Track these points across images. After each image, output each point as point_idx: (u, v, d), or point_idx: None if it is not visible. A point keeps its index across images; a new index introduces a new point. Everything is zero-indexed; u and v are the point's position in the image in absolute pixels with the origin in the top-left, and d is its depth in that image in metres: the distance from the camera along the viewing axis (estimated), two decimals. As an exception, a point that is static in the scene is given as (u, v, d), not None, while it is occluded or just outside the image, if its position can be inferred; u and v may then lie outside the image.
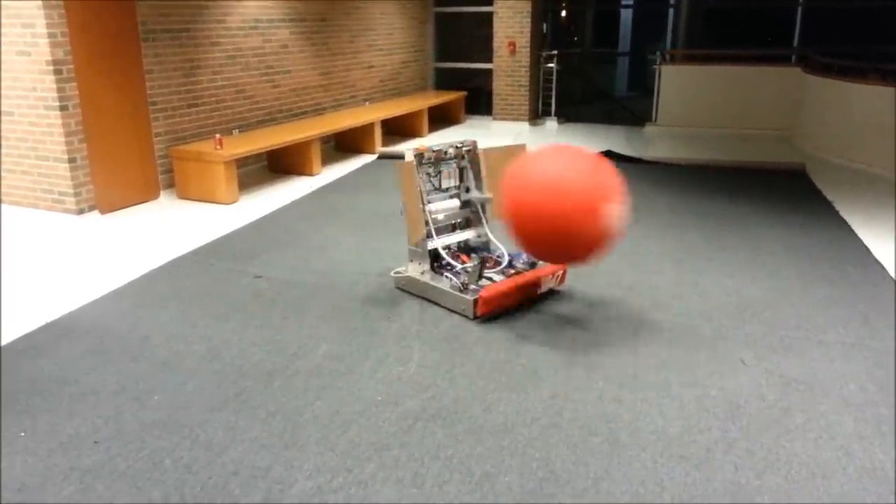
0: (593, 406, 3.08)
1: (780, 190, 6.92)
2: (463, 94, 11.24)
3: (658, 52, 10.83)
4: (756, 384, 3.27)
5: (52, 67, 5.60)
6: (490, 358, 3.51)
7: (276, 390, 3.21)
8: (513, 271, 4.24)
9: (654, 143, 9.70)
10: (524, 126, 10.99)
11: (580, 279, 4.49)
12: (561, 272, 4.27)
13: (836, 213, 6.10)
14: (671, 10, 12.34)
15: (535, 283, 4.14)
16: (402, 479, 2.60)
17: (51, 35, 5.55)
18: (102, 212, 6.08)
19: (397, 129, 9.83)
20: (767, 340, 3.71)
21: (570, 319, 3.97)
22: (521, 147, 4.39)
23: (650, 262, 4.89)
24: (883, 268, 4.77)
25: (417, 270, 4.28)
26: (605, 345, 3.66)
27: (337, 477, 2.61)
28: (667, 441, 2.83)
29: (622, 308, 4.12)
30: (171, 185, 6.75)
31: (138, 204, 6.40)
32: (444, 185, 4.46)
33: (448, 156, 4.43)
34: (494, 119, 11.33)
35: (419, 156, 4.25)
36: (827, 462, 2.70)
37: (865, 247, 5.19)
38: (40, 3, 5.45)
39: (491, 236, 4.52)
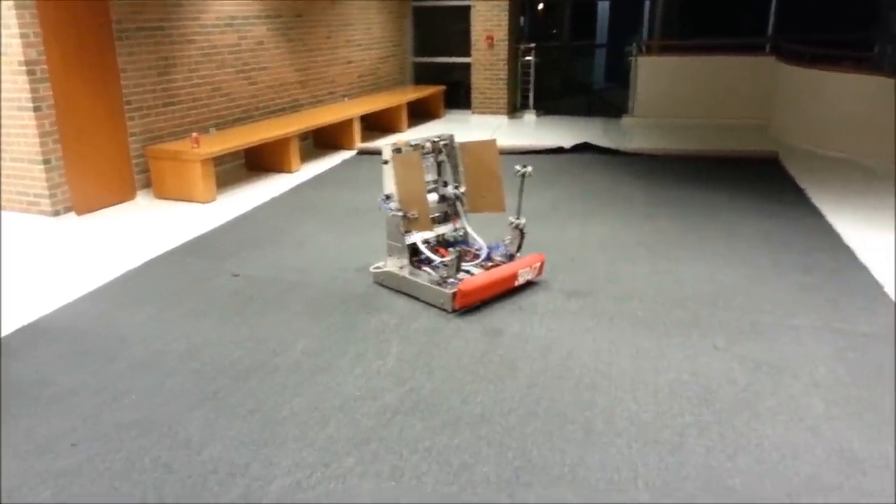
0: (570, 394, 3.13)
1: (753, 178, 7.00)
2: (442, 88, 11.25)
3: (634, 44, 10.88)
4: (728, 368, 3.33)
5: (24, 68, 5.53)
6: (468, 350, 3.55)
7: (255, 387, 3.22)
8: (490, 264, 4.28)
9: (631, 135, 9.77)
10: (503, 119, 11.02)
11: (557, 270, 4.53)
12: (538, 263, 4.31)
13: (808, 200, 6.19)
14: (647, 1, 12.39)
15: (513, 275, 4.17)
16: (381, 473, 2.62)
17: (23, 35, 5.48)
18: (78, 213, 6.04)
19: (376, 124, 9.82)
20: (739, 325, 3.77)
21: (547, 310, 4.01)
22: (492, 142, 4.40)
23: (626, 252, 4.94)
24: (853, 253, 4.85)
25: (396, 265, 4.30)
26: (580, 333, 3.71)
27: (315, 472, 2.63)
28: (641, 427, 2.88)
29: (598, 297, 4.17)
30: (147, 184, 6.70)
31: (115, 205, 6.36)
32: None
33: (426, 150, 4.44)
34: (473, 113, 11.34)
35: (397, 150, 4.26)
36: (797, 443, 2.76)
37: (836, 233, 5.28)
38: (12, 3, 5.38)
39: (469, 229, 4.55)
